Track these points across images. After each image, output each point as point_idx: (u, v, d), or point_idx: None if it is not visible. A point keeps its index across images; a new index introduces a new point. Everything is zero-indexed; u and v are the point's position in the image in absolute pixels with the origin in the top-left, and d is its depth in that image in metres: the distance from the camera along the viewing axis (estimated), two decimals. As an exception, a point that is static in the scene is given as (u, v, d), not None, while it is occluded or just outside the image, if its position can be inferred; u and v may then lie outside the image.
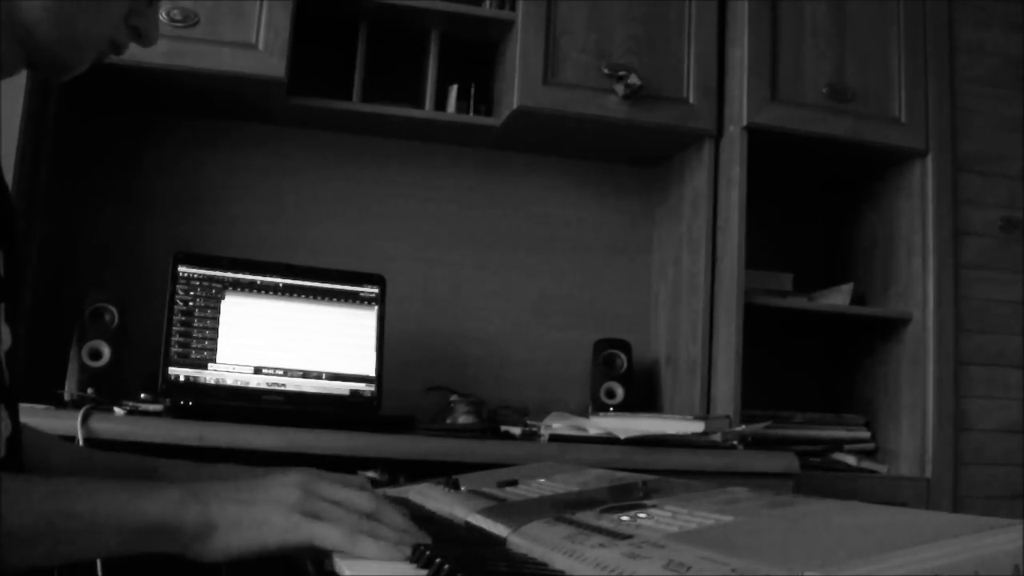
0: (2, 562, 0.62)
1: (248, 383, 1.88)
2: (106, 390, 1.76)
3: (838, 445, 2.22)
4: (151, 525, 0.65)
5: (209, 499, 0.68)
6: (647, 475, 0.97)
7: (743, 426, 1.87)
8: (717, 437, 1.77)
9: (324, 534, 0.67)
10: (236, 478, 0.79)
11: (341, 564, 0.64)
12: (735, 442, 1.81)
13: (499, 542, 0.71)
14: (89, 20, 0.80)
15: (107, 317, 1.83)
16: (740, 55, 2.12)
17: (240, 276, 1.92)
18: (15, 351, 0.86)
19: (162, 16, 1.87)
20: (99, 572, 1.36)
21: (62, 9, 0.78)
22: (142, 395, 1.74)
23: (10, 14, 0.77)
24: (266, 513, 0.68)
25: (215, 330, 1.88)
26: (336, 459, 1.54)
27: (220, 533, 0.67)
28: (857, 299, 2.30)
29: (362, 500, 0.71)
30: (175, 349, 1.84)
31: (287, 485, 0.70)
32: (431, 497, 0.94)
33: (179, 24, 1.87)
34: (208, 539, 0.67)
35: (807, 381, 2.44)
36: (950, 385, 2.14)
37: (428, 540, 0.70)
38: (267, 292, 1.94)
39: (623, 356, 2.19)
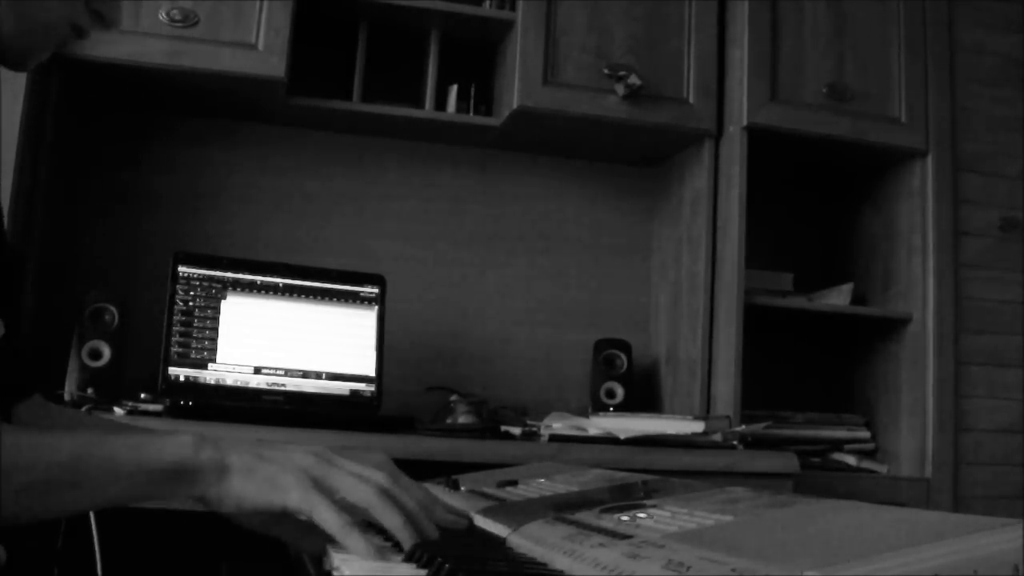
0: (28, 511, 0.63)
1: (248, 383, 1.88)
2: (106, 390, 1.76)
3: (838, 445, 2.22)
4: (169, 467, 0.66)
5: (223, 445, 0.68)
6: (647, 475, 0.97)
7: (743, 426, 1.87)
8: (717, 437, 1.77)
9: (323, 515, 0.67)
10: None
11: (341, 564, 0.64)
12: (735, 442, 1.81)
13: (499, 542, 0.72)
14: (49, 7, 0.79)
15: (107, 317, 1.83)
16: (740, 55, 2.12)
17: (240, 276, 1.92)
18: (8, 339, 0.86)
19: (162, 16, 1.87)
20: (98, 569, 1.36)
21: None
22: (142, 395, 1.74)
23: None
24: (279, 472, 0.68)
25: (215, 330, 1.88)
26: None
27: (235, 479, 0.67)
28: (857, 299, 2.30)
29: (378, 476, 0.71)
30: (175, 349, 1.84)
31: (305, 451, 0.71)
32: (431, 497, 0.94)
33: (179, 24, 1.87)
34: (223, 483, 0.67)
35: (807, 381, 2.44)
36: (950, 385, 2.14)
37: (434, 532, 0.70)
38: (267, 292, 1.94)
39: (623, 356, 2.19)
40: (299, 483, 0.67)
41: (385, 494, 0.69)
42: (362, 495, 0.68)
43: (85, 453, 0.65)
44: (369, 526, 0.78)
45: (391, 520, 0.68)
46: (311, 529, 0.72)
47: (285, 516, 0.71)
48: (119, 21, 0.86)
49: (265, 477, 0.68)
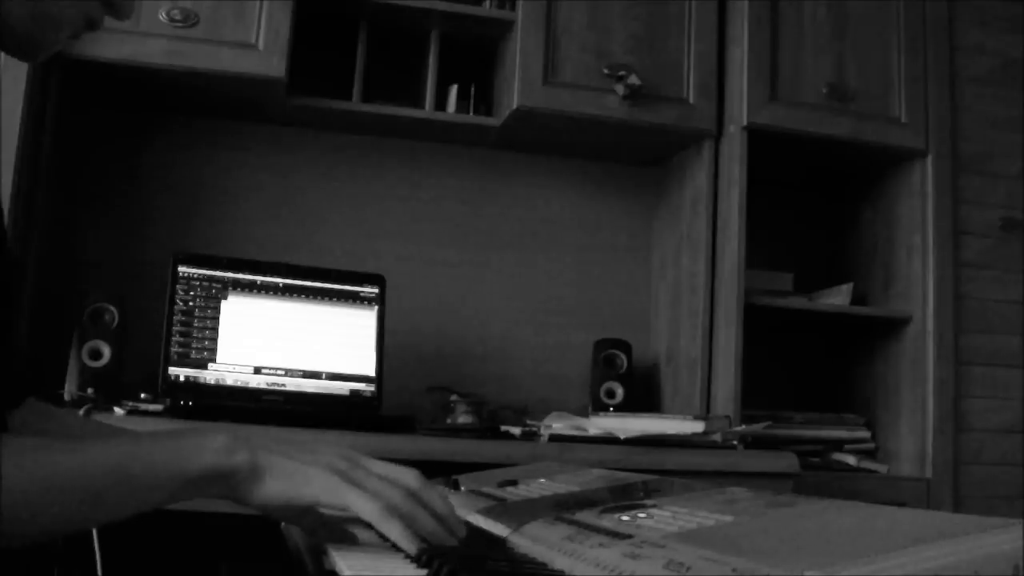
0: (73, 525, 0.65)
1: (248, 383, 1.88)
2: (106, 390, 1.76)
3: (838, 445, 2.22)
4: (205, 472, 0.68)
5: (256, 447, 0.70)
6: (647, 475, 0.97)
7: (743, 426, 1.87)
8: (717, 437, 1.77)
9: (359, 503, 0.68)
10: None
11: (341, 564, 0.64)
12: (735, 442, 1.81)
13: (499, 542, 0.72)
14: (63, 5, 0.79)
15: (107, 317, 1.83)
16: (740, 55, 2.12)
17: (240, 276, 1.92)
18: (1, 341, 0.85)
19: (162, 16, 1.87)
20: (98, 569, 1.36)
21: None
22: (142, 395, 1.74)
23: None
24: (310, 470, 0.70)
25: (215, 330, 1.88)
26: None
27: (266, 479, 0.69)
28: (857, 299, 2.30)
29: (408, 477, 0.72)
30: (175, 349, 1.84)
31: (334, 453, 0.72)
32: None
33: (179, 24, 1.87)
34: (255, 483, 0.69)
35: (807, 381, 2.44)
36: (950, 385, 2.14)
37: (463, 533, 0.70)
38: (267, 292, 1.94)
39: (623, 356, 2.19)
40: (328, 478, 0.69)
41: (411, 497, 0.70)
42: (388, 496, 0.69)
43: (127, 464, 0.66)
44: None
45: (422, 525, 0.69)
46: (325, 522, 0.75)
47: (309, 509, 0.73)
48: (131, 11, 0.85)
49: (295, 473, 0.69)
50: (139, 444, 0.69)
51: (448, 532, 0.70)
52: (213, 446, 0.69)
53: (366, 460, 0.73)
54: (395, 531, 0.67)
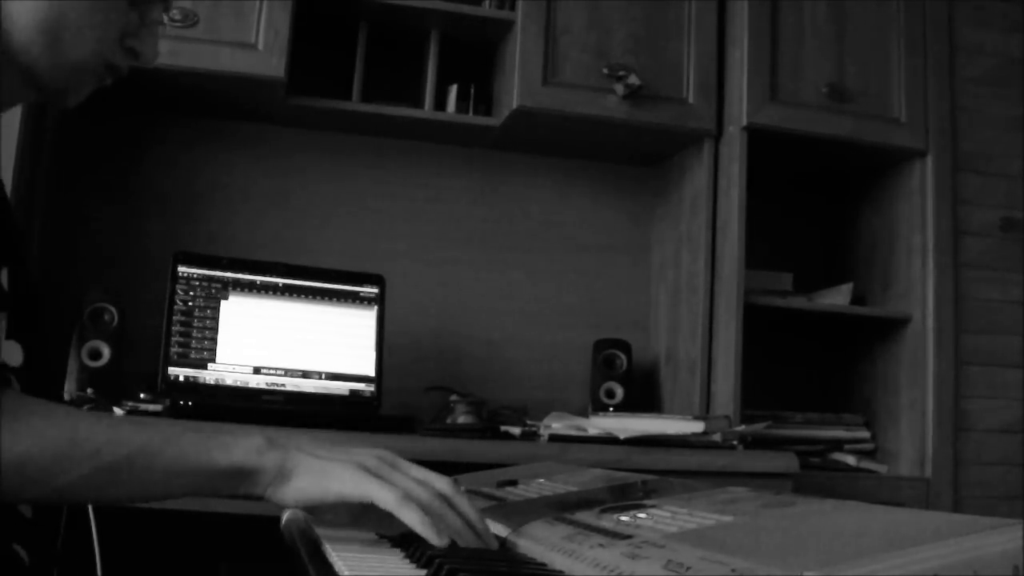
0: (92, 495, 0.69)
1: (248, 383, 1.88)
2: (106, 390, 1.76)
3: (838, 445, 2.22)
4: (232, 469, 0.69)
5: (289, 448, 0.71)
6: (647, 475, 0.97)
7: (743, 426, 1.87)
8: (717, 437, 1.77)
9: (380, 493, 0.69)
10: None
11: (340, 563, 0.64)
12: (735, 442, 1.81)
13: (499, 542, 0.72)
14: (80, 44, 0.80)
15: (107, 317, 1.83)
16: (740, 55, 2.12)
17: (240, 276, 1.92)
18: (29, 368, 0.85)
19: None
20: (98, 570, 1.36)
21: (52, 33, 0.77)
22: (142, 395, 1.74)
23: (2, 41, 0.76)
24: (337, 467, 0.71)
25: (215, 330, 1.88)
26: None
27: (294, 479, 0.70)
28: (857, 299, 2.30)
29: (440, 482, 0.73)
30: (175, 349, 1.84)
31: (369, 453, 0.73)
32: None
33: (179, 24, 1.87)
34: (283, 484, 0.70)
35: (807, 381, 2.44)
36: (950, 385, 2.14)
37: (495, 545, 0.70)
38: (267, 292, 1.94)
39: (623, 356, 2.19)
40: (354, 473, 0.70)
41: (443, 499, 0.70)
42: (419, 495, 0.69)
43: (156, 447, 0.67)
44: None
45: (450, 524, 0.69)
46: (390, 517, 0.74)
47: (367, 508, 0.73)
48: (155, 58, 0.86)
49: (322, 471, 0.70)
50: (172, 431, 0.69)
51: (475, 537, 0.70)
52: (244, 445, 0.70)
53: (402, 462, 0.73)
54: (414, 518, 0.67)
